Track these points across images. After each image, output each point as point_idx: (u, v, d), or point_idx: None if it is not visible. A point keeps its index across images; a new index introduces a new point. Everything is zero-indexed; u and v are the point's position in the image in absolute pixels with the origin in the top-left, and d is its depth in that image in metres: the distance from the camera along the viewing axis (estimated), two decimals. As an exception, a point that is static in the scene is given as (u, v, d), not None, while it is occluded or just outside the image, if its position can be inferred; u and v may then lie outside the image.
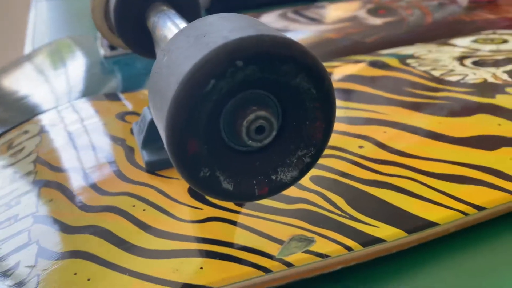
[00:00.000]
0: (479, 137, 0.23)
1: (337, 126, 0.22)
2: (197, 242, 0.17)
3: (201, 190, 0.13)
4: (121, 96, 0.31)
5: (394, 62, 0.35)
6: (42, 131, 0.28)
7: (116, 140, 0.25)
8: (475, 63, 0.33)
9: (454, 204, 0.19)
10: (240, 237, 0.18)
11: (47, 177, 0.23)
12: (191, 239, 0.18)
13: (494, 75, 0.31)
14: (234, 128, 0.13)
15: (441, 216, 0.19)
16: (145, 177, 0.21)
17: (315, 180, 0.21)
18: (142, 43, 0.28)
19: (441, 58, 0.35)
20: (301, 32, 0.45)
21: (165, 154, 0.22)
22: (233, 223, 0.18)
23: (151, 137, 0.22)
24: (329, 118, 0.14)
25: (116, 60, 0.40)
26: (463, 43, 0.38)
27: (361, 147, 0.23)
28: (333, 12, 0.51)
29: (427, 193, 0.20)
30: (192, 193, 0.20)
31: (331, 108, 0.14)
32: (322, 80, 0.13)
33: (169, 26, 0.22)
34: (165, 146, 0.13)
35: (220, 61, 0.12)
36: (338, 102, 0.27)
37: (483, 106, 0.27)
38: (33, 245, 0.18)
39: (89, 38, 0.46)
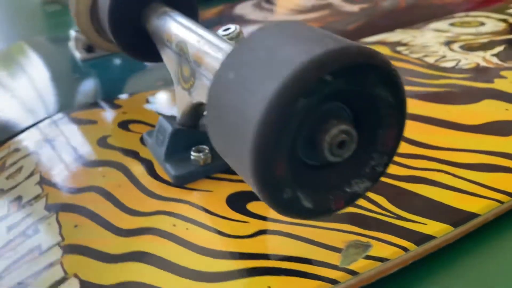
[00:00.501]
0: (492, 123, 0.24)
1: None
2: (255, 259, 0.17)
3: (283, 212, 0.13)
4: (115, 102, 0.29)
5: (385, 50, 0.35)
6: (38, 148, 0.26)
7: (128, 153, 0.24)
8: (463, 48, 0.34)
9: (489, 193, 0.20)
10: (296, 249, 0.17)
11: (61, 199, 0.21)
12: (249, 257, 0.17)
13: (484, 59, 0.32)
14: (314, 144, 0.13)
15: (480, 206, 0.19)
16: (176, 192, 0.20)
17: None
18: (139, 46, 0.27)
19: (429, 44, 0.36)
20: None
21: (191, 166, 0.21)
22: (285, 234, 0.18)
23: (174, 149, 0.21)
24: (401, 123, 0.14)
25: (93, 63, 0.38)
26: (443, 26, 0.39)
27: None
28: (307, 1, 0.50)
29: (461, 185, 0.20)
30: (231, 205, 0.19)
31: (404, 113, 0.13)
32: (399, 86, 0.13)
33: (186, 30, 0.21)
34: (248, 170, 0.12)
35: (310, 78, 0.11)
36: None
37: (486, 92, 0.27)
38: (72, 280, 0.17)
39: (45, 40, 0.43)
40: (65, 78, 0.35)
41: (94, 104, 0.29)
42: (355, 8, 0.46)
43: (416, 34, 0.38)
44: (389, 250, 0.17)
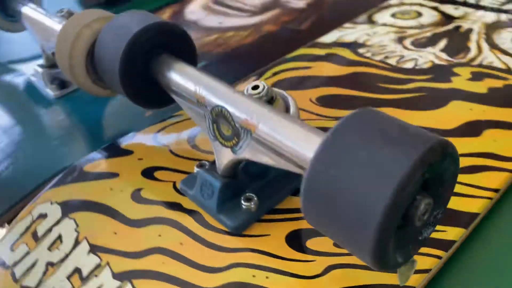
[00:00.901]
0: (462, 126, 0.29)
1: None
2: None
3: (381, 269, 0.16)
4: (124, 148, 0.30)
5: (349, 54, 0.39)
6: (66, 210, 0.26)
7: (172, 206, 0.25)
8: (414, 44, 0.39)
9: (480, 193, 0.25)
10: (366, 277, 0.21)
11: (127, 266, 0.22)
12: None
13: (436, 56, 0.37)
14: (406, 215, 0.16)
15: (478, 206, 0.24)
16: (238, 242, 0.23)
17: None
18: (149, 94, 0.27)
19: (384, 42, 0.40)
20: (243, 28, 0.45)
21: (245, 214, 0.23)
22: (351, 266, 0.21)
23: (224, 201, 0.23)
24: (456, 180, 0.17)
25: (67, 98, 0.37)
26: (387, 20, 0.44)
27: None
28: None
29: (457, 189, 0.25)
30: (293, 245, 0.22)
31: (458, 171, 0.17)
32: (458, 159, 0.16)
33: (220, 95, 0.22)
34: (367, 254, 0.15)
35: (418, 175, 0.14)
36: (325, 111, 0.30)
37: (449, 93, 0.32)
38: None
39: None
40: (48, 122, 0.34)
41: (103, 152, 0.30)
42: (301, 3, 0.49)
43: (368, 31, 0.42)
44: (428, 261, 0.22)
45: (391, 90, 0.33)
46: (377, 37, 0.40)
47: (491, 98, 0.31)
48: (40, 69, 0.36)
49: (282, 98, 0.23)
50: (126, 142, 0.30)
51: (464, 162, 0.26)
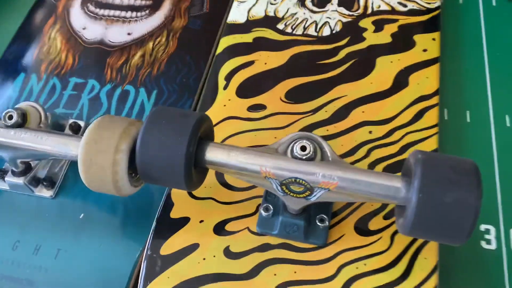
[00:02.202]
0: (394, 81, 0.39)
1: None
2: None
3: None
4: (173, 217, 0.33)
5: (273, 34, 0.43)
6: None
7: (264, 248, 0.32)
8: (314, 4, 0.45)
9: (429, 132, 0.37)
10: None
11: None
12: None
13: (340, 13, 0.44)
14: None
15: (434, 143, 0.36)
16: (331, 250, 0.32)
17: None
18: (195, 180, 0.30)
19: (292, 9, 0.44)
20: (156, 34, 0.44)
21: (324, 230, 0.32)
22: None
23: (308, 230, 0.31)
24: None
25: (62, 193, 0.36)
26: None
27: (370, 132, 0.36)
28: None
29: (417, 136, 0.37)
30: (360, 232, 0.32)
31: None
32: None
33: (285, 167, 0.28)
34: (460, 241, 0.25)
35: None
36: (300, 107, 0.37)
37: (371, 52, 0.41)
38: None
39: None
40: (77, 225, 0.34)
41: (163, 231, 0.33)
42: None
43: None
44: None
45: (330, 66, 0.41)
46: (280, 3, 0.45)
47: (395, 44, 0.41)
48: (19, 180, 0.34)
49: (315, 142, 0.30)
50: (173, 211, 0.34)
51: (410, 112, 0.38)
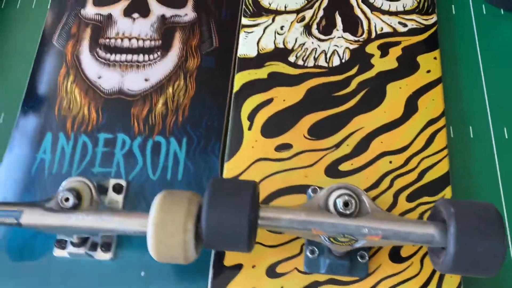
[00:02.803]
0: (405, 108, 0.43)
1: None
2: None
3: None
4: (227, 265, 0.37)
5: (285, 68, 0.45)
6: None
7: (314, 285, 0.36)
8: (320, 31, 0.46)
9: (441, 155, 0.41)
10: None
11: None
12: None
13: (346, 40, 0.46)
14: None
15: (444, 167, 0.41)
16: (374, 278, 0.36)
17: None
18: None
19: (299, 39, 0.46)
20: (173, 78, 0.45)
21: (365, 264, 0.36)
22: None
23: (352, 266, 0.35)
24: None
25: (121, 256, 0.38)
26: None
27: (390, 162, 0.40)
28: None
29: (432, 159, 0.41)
30: (393, 259, 0.37)
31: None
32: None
33: (334, 225, 0.32)
34: (496, 268, 0.30)
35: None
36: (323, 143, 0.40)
37: (379, 80, 0.44)
38: None
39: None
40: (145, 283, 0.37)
41: (222, 277, 0.37)
42: (188, 15, 0.48)
43: (272, 27, 0.46)
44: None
45: (344, 97, 0.43)
46: (287, 34, 0.46)
47: (402, 69, 0.44)
48: (79, 250, 0.37)
49: (354, 193, 0.34)
50: (226, 260, 0.37)
51: (423, 137, 0.41)
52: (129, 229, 0.33)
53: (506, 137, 0.43)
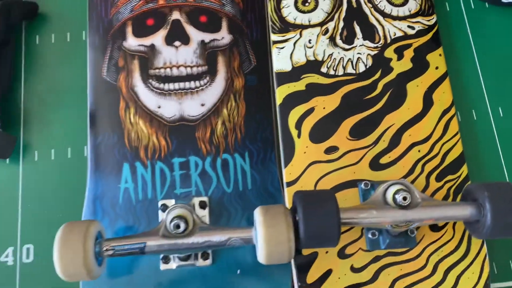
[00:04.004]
0: (424, 103, 0.51)
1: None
2: None
3: None
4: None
5: (320, 79, 0.51)
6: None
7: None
8: (343, 40, 0.53)
9: (454, 139, 0.50)
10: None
11: None
12: None
13: (367, 47, 0.53)
14: None
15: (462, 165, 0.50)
16: (421, 246, 0.46)
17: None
18: None
19: (327, 51, 0.52)
20: (224, 101, 0.51)
21: (414, 237, 0.46)
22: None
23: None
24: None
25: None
26: (295, 15, 0.53)
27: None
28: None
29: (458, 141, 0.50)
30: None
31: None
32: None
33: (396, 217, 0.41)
34: None
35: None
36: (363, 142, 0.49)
37: (400, 81, 0.52)
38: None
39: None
40: None
41: (300, 267, 0.45)
42: (225, 39, 0.53)
43: (300, 42, 0.53)
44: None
45: (374, 100, 0.51)
46: (315, 47, 0.52)
47: (416, 68, 0.52)
48: (186, 262, 0.44)
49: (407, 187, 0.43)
50: (302, 250, 0.46)
51: (440, 126, 0.50)
52: (243, 242, 0.41)
53: (501, 115, 0.53)
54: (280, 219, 0.40)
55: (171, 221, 0.41)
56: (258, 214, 0.40)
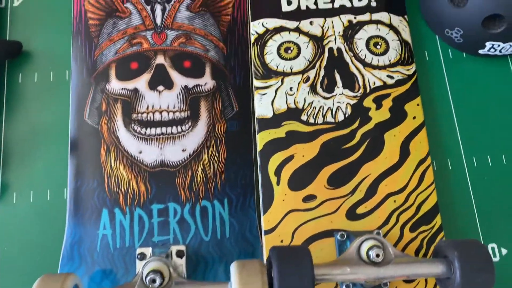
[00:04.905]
0: (401, 153, 0.52)
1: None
2: None
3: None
4: None
5: (300, 126, 0.52)
6: None
7: None
8: (323, 89, 0.54)
9: (430, 189, 0.51)
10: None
11: None
12: None
13: (346, 96, 0.54)
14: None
15: (434, 198, 0.51)
16: None
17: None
18: None
19: (307, 98, 0.53)
20: (206, 147, 0.52)
21: None
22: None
23: (378, 294, 0.46)
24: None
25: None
26: (277, 62, 0.54)
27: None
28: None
29: (426, 193, 0.51)
30: None
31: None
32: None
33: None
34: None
35: None
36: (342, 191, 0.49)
37: (378, 130, 0.53)
38: None
39: None
40: None
41: None
42: (208, 84, 0.53)
43: (282, 89, 0.53)
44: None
45: (352, 149, 0.52)
46: (296, 94, 0.53)
47: (394, 118, 0.53)
48: None
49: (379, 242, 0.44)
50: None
51: (416, 177, 0.52)
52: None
53: (475, 165, 0.55)
54: (256, 278, 0.40)
55: (147, 275, 0.42)
56: (234, 270, 0.41)
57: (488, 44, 0.55)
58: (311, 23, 0.57)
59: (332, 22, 0.57)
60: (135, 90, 0.52)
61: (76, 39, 0.54)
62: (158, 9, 0.55)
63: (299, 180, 0.51)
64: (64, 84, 0.55)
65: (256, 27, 0.56)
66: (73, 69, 0.53)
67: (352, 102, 0.55)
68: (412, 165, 0.53)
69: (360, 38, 0.56)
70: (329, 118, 0.54)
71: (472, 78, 0.58)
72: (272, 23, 0.57)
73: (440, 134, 0.56)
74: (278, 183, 0.51)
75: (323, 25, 0.57)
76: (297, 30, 0.57)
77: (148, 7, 0.55)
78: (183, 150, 0.51)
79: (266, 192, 0.51)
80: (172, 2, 0.55)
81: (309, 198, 0.51)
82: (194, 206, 0.49)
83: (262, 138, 0.53)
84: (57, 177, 0.52)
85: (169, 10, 0.55)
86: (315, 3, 0.57)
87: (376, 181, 0.52)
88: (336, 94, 0.55)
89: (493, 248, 0.53)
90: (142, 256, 0.46)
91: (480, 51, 0.57)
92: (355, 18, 0.57)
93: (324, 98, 0.55)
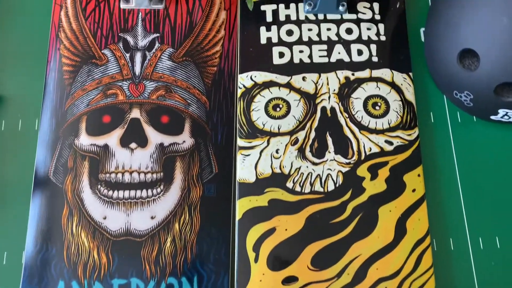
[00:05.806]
0: (396, 231, 0.46)
1: None
2: None
3: None
4: None
5: (284, 195, 0.47)
6: None
7: None
8: (313, 154, 0.49)
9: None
10: None
11: None
12: None
13: (338, 163, 0.49)
14: None
15: None
16: None
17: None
18: None
19: (295, 164, 0.48)
20: (177, 213, 0.46)
21: None
22: None
23: None
24: None
25: None
26: (264, 120, 0.49)
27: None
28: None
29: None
30: None
31: None
32: None
33: None
34: None
35: None
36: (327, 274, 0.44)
37: (370, 204, 0.47)
38: None
39: None
40: None
41: None
42: (187, 143, 0.49)
43: (267, 151, 0.49)
44: None
45: (341, 224, 0.47)
46: (283, 158, 0.48)
47: (390, 191, 0.48)
48: None
49: None
50: None
51: (412, 260, 0.46)
52: None
53: (482, 247, 0.49)
54: None
55: None
56: None
57: (502, 111, 0.49)
58: (303, 78, 0.52)
59: (327, 78, 0.52)
60: (105, 147, 0.48)
61: (49, 86, 0.50)
62: (138, 57, 0.51)
63: (280, 258, 0.46)
64: (33, 134, 0.50)
65: (244, 80, 0.52)
66: (43, 120, 0.49)
67: (344, 169, 0.49)
68: (408, 246, 0.47)
69: (357, 98, 0.51)
70: (317, 187, 0.48)
71: (483, 145, 0.52)
72: (261, 76, 0.52)
73: (443, 209, 0.50)
74: (256, 260, 0.46)
75: (317, 81, 0.52)
76: (288, 85, 0.52)
77: (128, 55, 0.51)
78: (152, 218, 0.46)
79: (241, 271, 0.45)
80: (154, 50, 0.51)
81: (289, 280, 0.45)
82: (159, 283, 0.44)
83: (242, 206, 0.48)
84: (15, 239, 0.47)
85: (150, 58, 0.51)
86: (310, 56, 0.53)
87: (367, 264, 0.46)
88: (327, 160, 0.49)
89: None
90: None
91: (492, 117, 0.51)
92: (353, 74, 0.52)
93: (313, 163, 0.49)
